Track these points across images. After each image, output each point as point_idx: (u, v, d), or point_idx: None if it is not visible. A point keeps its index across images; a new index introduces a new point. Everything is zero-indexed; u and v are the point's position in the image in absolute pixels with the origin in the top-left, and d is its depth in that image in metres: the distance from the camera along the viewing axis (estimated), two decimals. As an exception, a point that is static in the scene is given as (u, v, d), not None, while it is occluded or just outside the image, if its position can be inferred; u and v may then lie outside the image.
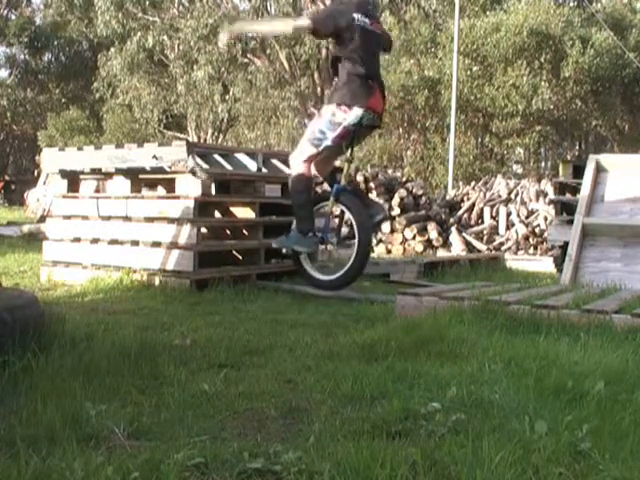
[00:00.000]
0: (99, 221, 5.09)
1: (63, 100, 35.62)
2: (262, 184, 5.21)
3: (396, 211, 9.74)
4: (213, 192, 5.12)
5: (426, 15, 24.31)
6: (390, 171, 12.12)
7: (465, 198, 10.87)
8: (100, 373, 2.32)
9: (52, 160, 5.57)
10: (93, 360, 2.43)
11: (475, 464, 1.58)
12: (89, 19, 29.94)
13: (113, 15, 24.61)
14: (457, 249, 9.42)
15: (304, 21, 4.34)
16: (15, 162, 41.40)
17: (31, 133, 35.58)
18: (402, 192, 9.99)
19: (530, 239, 9.52)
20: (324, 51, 22.27)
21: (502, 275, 6.31)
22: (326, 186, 4.93)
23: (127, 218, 4.92)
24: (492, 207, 10.29)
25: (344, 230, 4.81)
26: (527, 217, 9.87)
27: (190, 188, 4.64)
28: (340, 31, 4.19)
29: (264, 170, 5.40)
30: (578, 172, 5.84)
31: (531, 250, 9.40)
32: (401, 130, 22.56)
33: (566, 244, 5.34)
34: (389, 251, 9.49)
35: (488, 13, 22.36)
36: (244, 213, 5.21)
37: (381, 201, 9.47)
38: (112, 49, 26.13)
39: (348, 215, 4.43)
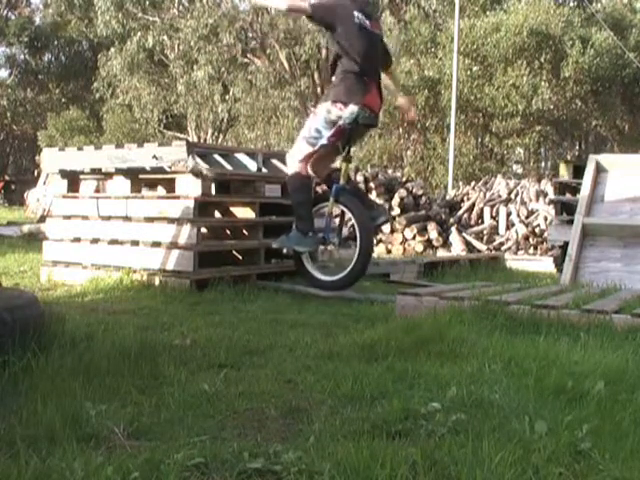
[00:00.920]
0: (99, 221, 5.09)
1: (63, 100, 35.62)
2: (262, 184, 5.21)
3: (396, 211, 9.74)
4: (213, 192, 5.12)
5: (426, 15, 24.31)
6: (390, 171, 12.12)
7: (465, 198, 10.88)
8: (100, 373, 2.32)
9: (52, 160, 5.57)
10: (93, 360, 2.43)
11: (475, 464, 1.58)
12: (89, 19, 29.95)
13: (113, 15, 24.63)
14: (457, 249, 9.42)
15: (304, 3, 4.26)
16: (15, 162, 41.41)
17: (31, 133, 35.59)
18: (402, 192, 10.00)
19: (530, 239, 9.52)
20: (324, 51, 22.30)
21: (502, 275, 6.31)
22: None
23: (127, 218, 4.92)
24: (492, 207, 10.29)
25: (345, 230, 4.81)
26: (527, 217, 9.87)
27: (190, 188, 4.64)
28: (337, 23, 4.16)
29: (264, 170, 5.40)
30: (578, 172, 5.85)
31: (531, 250, 9.40)
32: (401, 130, 22.55)
33: (566, 244, 5.35)
34: (389, 251, 9.49)
35: (488, 13, 22.36)
36: (244, 213, 5.21)
37: (381, 201, 9.49)
38: (112, 49, 26.15)
39: (349, 216, 4.42)
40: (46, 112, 33.95)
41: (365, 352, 2.74)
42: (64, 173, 5.40)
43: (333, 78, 4.30)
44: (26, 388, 2.13)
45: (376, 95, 4.26)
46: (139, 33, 24.95)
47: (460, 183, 15.95)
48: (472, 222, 10.20)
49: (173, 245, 4.64)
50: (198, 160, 4.80)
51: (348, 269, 4.31)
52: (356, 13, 4.19)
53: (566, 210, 5.87)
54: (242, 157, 5.40)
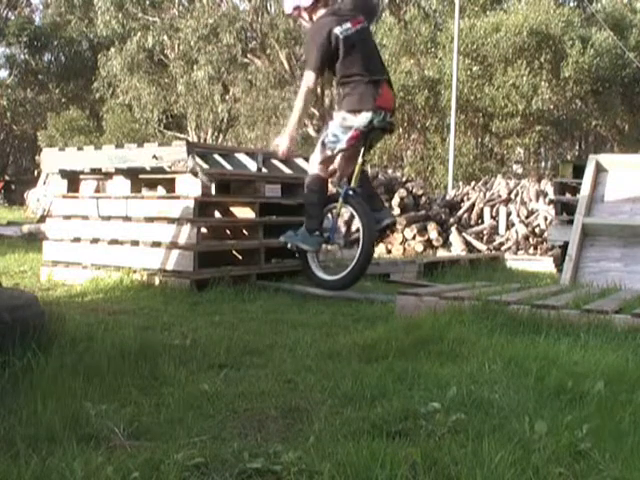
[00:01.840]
0: (99, 221, 5.08)
1: (63, 100, 35.60)
2: (262, 184, 5.21)
3: (396, 211, 9.74)
4: (213, 192, 5.12)
5: (426, 15, 24.31)
6: (390, 171, 12.12)
7: (465, 198, 10.87)
8: (100, 373, 2.32)
9: (52, 160, 5.57)
10: (93, 360, 2.43)
11: (475, 464, 1.58)
12: (89, 19, 29.96)
13: (113, 15, 24.65)
14: (457, 249, 9.42)
15: (310, 78, 4.33)
16: (15, 162, 41.41)
17: (31, 133, 35.56)
18: (402, 192, 9.99)
19: (530, 239, 9.51)
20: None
21: (502, 275, 6.31)
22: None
23: (127, 218, 4.92)
24: (492, 207, 10.29)
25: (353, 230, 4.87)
26: (527, 217, 9.87)
27: (190, 188, 4.64)
28: (334, 54, 4.27)
29: (264, 170, 5.40)
30: (578, 172, 5.84)
31: (531, 250, 9.39)
32: (401, 130, 22.54)
33: (566, 244, 5.34)
34: (389, 251, 9.49)
35: (488, 13, 22.36)
36: (244, 213, 5.21)
37: (381, 201, 9.47)
38: (112, 49, 26.15)
39: (355, 217, 4.48)
40: (46, 112, 33.92)
41: (365, 352, 2.74)
42: (64, 173, 5.40)
43: (341, 89, 4.43)
44: (26, 388, 2.13)
45: (387, 92, 4.40)
46: (139, 33, 24.97)
47: (460, 183, 15.93)
48: (472, 222, 10.20)
49: (173, 245, 4.64)
50: (198, 160, 4.80)
51: (348, 269, 4.38)
52: (336, 30, 4.25)
53: (566, 210, 5.87)
54: (242, 157, 5.40)
